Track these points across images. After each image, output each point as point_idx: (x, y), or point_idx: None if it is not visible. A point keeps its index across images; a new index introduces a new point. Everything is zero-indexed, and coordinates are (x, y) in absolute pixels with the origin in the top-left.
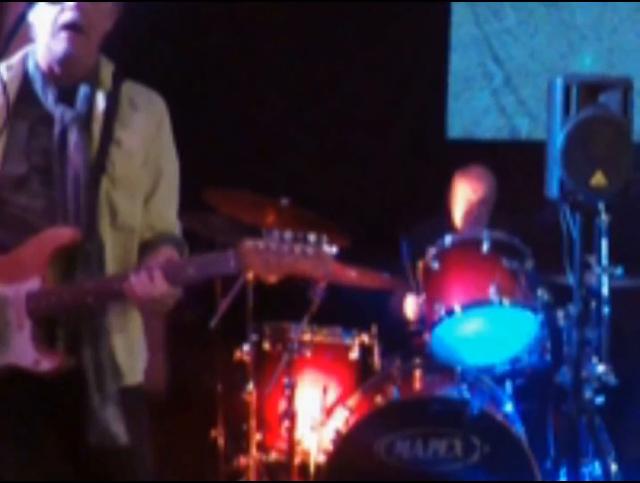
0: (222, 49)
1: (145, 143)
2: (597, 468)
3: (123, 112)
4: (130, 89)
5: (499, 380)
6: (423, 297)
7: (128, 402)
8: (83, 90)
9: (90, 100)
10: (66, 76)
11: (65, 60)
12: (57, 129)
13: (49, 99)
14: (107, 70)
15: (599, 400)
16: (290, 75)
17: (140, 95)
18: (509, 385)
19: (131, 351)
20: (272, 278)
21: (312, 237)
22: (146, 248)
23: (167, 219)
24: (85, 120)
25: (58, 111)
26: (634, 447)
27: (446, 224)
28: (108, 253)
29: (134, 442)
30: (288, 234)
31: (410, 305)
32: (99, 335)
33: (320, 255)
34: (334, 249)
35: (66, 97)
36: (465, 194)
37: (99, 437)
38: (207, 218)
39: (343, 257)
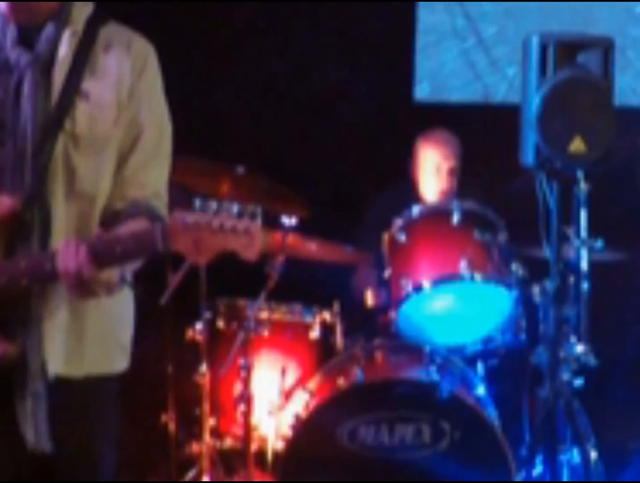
0: (177, 13)
1: (120, 94)
2: (575, 455)
3: (95, 58)
4: (110, 32)
5: (471, 361)
6: (389, 271)
7: (71, 397)
8: (46, 30)
9: (54, 43)
10: (27, 15)
11: (13, 7)
12: (15, 76)
13: (7, 41)
14: (80, 9)
15: (578, 382)
16: (247, 37)
17: (119, 36)
18: (481, 367)
19: (82, 339)
20: (202, 260)
21: (234, 207)
22: (113, 221)
23: (145, 185)
24: (44, 65)
25: (14, 55)
26: (616, 433)
27: (413, 194)
28: (59, 225)
29: (76, 445)
30: (214, 205)
31: (371, 295)
32: (28, 322)
33: (251, 233)
34: (293, 220)
35: (27, 39)
36: (433, 161)
37: (31, 439)
38: None
39: (303, 228)
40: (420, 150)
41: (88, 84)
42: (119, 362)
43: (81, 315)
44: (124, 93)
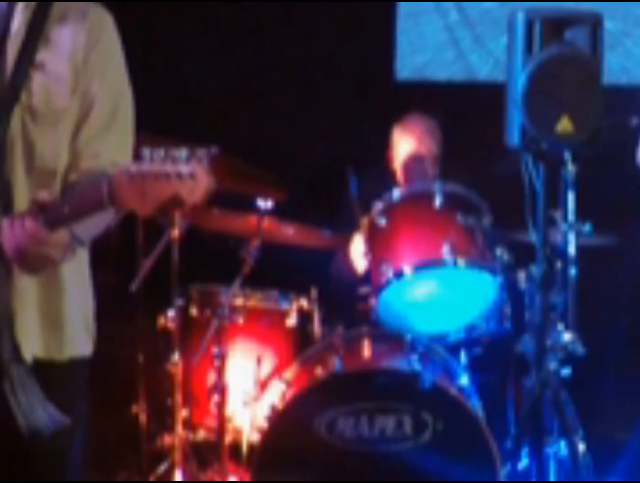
0: None
1: (75, 64)
2: (562, 448)
3: (50, 29)
4: (65, 4)
5: (453, 349)
6: (369, 257)
7: (52, 381)
8: None
9: (6, 17)
10: None
11: None
12: None
13: None
14: None
15: (565, 371)
16: (222, 12)
17: (74, 7)
18: (464, 356)
19: (58, 320)
20: (147, 211)
21: (183, 153)
22: (64, 194)
23: (100, 155)
24: None
25: None
26: (604, 424)
27: (392, 177)
28: (21, 200)
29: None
30: (162, 152)
31: (359, 248)
32: None
33: (195, 176)
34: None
35: None
36: (405, 150)
37: (21, 424)
38: None
39: (279, 211)
40: (394, 137)
41: (43, 56)
42: (89, 344)
43: (55, 296)
44: (79, 64)
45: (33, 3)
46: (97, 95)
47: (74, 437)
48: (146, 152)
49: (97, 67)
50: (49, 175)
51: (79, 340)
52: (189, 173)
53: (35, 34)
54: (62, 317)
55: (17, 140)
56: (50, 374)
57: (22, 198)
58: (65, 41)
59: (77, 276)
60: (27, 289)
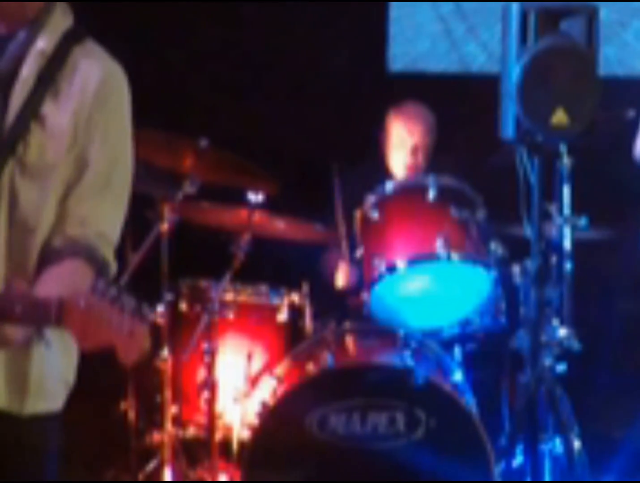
0: None
1: (77, 120)
2: (558, 445)
3: (62, 81)
4: (81, 54)
5: (447, 345)
6: (361, 250)
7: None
8: (14, 44)
9: (18, 60)
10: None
11: None
12: None
13: None
14: (59, 22)
15: (560, 367)
16: (211, 5)
17: (87, 62)
18: (458, 351)
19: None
20: (84, 346)
21: (131, 302)
22: (50, 258)
23: (87, 222)
24: (3, 82)
25: None
26: (600, 421)
27: (384, 169)
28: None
29: None
30: (114, 291)
31: (342, 275)
32: None
33: (134, 335)
34: (260, 197)
35: None
36: (399, 137)
37: None
38: None
39: (270, 205)
40: (389, 123)
41: (47, 109)
42: (61, 397)
43: (23, 351)
44: (82, 121)
45: (50, 50)
46: (95, 158)
47: None
48: (100, 283)
49: (99, 127)
50: (27, 232)
51: (51, 393)
52: (128, 331)
53: (45, 85)
54: (29, 370)
55: (4, 190)
56: (9, 428)
57: (2, 256)
58: (72, 95)
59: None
60: None
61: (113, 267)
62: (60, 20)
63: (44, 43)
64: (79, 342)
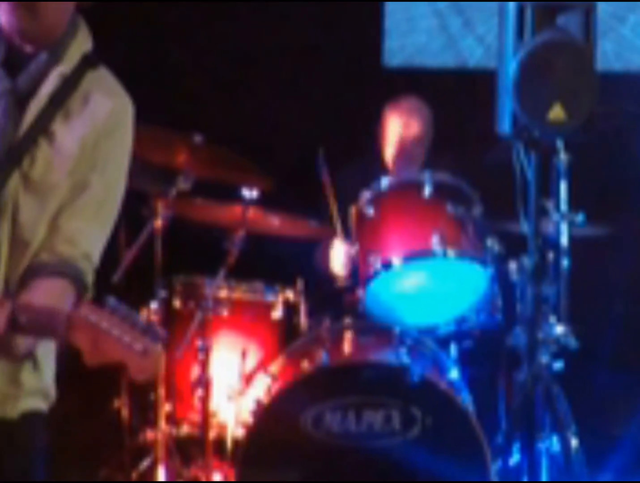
0: None
1: (84, 146)
2: (555, 443)
3: (73, 103)
4: (95, 80)
5: (443, 342)
6: (356, 247)
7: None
8: (36, 63)
9: (37, 79)
10: (29, 41)
11: (9, 31)
12: None
13: None
14: (79, 46)
15: (558, 365)
16: (206, 0)
17: (100, 89)
18: (454, 349)
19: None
20: (93, 361)
21: (141, 320)
22: (36, 272)
23: (76, 244)
24: (21, 98)
25: None
26: (598, 419)
27: (380, 165)
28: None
29: None
30: (124, 309)
31: (339, 256)
32: None
33: (148, 355)
34: (254, 193)
35: (13, 62)
36: (396, 131)
37: None
38: None
39: (265, 201)
40: (386, 118)
41: (57, 127)
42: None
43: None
44: (88, 148)
45: (68, 72)
46: (92, 186)
47: None
48: (111, 300)
49: (102, 157)
50: (23, 246)
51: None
52: (141, 350)
53: (58, 104)
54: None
55: (9, 204)
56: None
57: (2, 262)
58: (82, 119)
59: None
60: None
61: (90, 291)
62: (82, 43)
63: (64, 65)
64: (86, 356)
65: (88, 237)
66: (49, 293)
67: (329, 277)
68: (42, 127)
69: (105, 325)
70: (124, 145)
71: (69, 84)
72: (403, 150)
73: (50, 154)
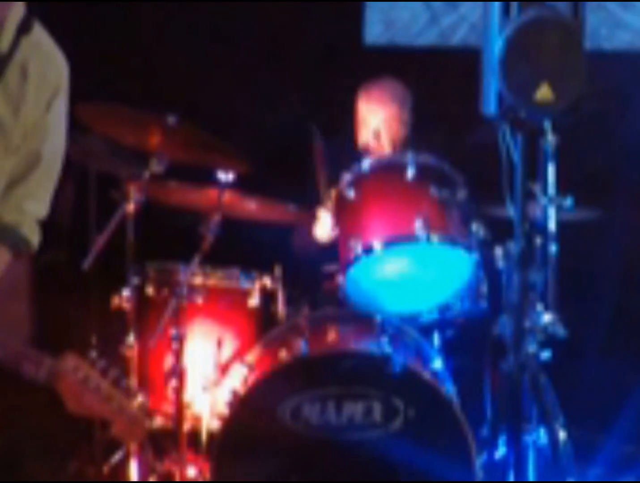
0: None
1: (27, 124)
2: (542, 436)
3: (12, 80)
4: (29, 47)
5: (426, 331)
6: (336, 231)
7: None
8: None
9: None
10: None
11: None
12: None
13: None
14: (13, 20)
15: (545, 354)
16: None
17: (35, 60)
18: (437, 337)
19: None
20: (75, 412)
21: (124, 383)
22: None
23: (26, 211)
24: None
25: None
26: (586, 411)
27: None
28: None
29: None
30: (103, 363)
31: (325, 225)
32: None
33: (135, 421)
34: (230, 176)
35: None
36: (363, 118)
37: None
38: (80, 138)
39: (241, 184)
40: (358, 103)
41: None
42: None
43: None
44: (29, 123)
45: (6, 48)
46: (45, 157)
47: None
48: (101, 363)
49: (48, 130)
50: None
51: None
52: (131, 415)
53: None
54: None
55: None
56: None
57: None
58: (23, 99)
59: None
60: None
61: (35, 242)
62: (16, 15)
63: (2, 44)
64: (71, 407)
65: (38, 202)
66: None
67: (309, 262)
68: None
69: (93, 381)
70: (65, 107)
71: (6, 62)
72: (373, 137)
73: None
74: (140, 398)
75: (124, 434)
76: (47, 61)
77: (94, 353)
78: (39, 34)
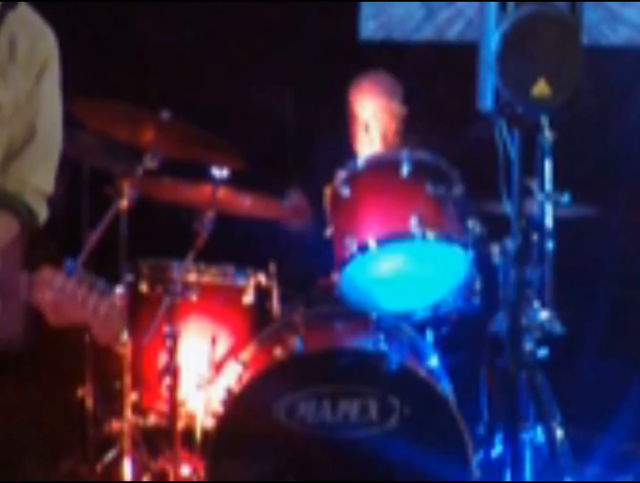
0: None
1: (18, 99)
2: (539, 434)
3: (1, 56)
4: (15, 22)
5: (422, 328)
6: (331, 229)
7: None
8: None
9: None
10: None
11: None
12: None
13: None
14: None
15: (542, 352)
16: None
17: (23, 33)
18: (434, 335)
19: None
20: (55, 321)
21: (103, 286)
22: None
23: (27, 182)
24: None
25: None
26: (584, 409)
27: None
28: None
29: None
30: (88, 278)
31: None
32: None
33: (110, 319)
34: (224, 172)
35: None
36: (355, 112)
37: None
38: (74, 134)
39: (236, 181)
40: (352, 103)
41: None
42: None
43: None
44: (21, 96)
45: None
46: (40, 129)
47: None
48: (68, 263)
49: (42, 101)
50: None
51: None
52: (104, 314)
53: None
54: None
55: None
56: None
57: None
58: (12, 75)
59: None
60: None
61: (41, 213)
62: None
63: None
64: (50, 317)
65: (39, 175)
66: None
67: (303, 260)
68: None
69: (69, 288)
70: (57, 78)
71: None
72: (363, 133)
73: None
74: (114, 299)
75: (100, 336)
76: (34, 33)
77: (69, 263)
78: (25, 9)
